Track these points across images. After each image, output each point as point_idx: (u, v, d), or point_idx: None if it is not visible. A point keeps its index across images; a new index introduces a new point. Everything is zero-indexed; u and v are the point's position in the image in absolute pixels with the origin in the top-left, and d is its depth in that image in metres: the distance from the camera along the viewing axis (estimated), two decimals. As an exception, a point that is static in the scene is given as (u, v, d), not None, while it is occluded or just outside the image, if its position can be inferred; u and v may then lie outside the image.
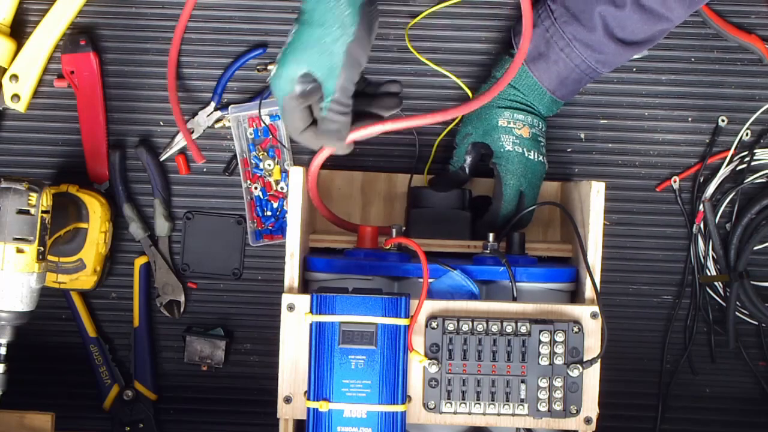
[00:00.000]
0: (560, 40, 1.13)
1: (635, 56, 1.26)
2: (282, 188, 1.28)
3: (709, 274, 1.27)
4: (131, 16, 1.27)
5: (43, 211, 1.05)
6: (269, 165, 1.27)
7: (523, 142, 1.17)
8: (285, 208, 1.27)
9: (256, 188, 1.28)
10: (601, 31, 1.12)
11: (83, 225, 1.19)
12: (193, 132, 1.27)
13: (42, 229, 1.05)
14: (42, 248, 1.05)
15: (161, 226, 1.27)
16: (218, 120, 1.27)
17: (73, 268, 1.20)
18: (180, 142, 1.27)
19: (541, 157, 1.19)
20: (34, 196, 1.04)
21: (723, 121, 1.28)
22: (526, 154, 1.18)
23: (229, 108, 1.26)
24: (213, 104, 1.27)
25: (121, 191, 1.26)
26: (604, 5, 1.11)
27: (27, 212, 1.04)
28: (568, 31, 1.13)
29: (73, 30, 1.27)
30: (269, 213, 1.28)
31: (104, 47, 1.27)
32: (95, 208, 1.20)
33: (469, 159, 1.22)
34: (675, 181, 1.27)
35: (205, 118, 1.27)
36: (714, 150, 1.28)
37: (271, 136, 1.27)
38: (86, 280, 1.21)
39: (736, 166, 1.27)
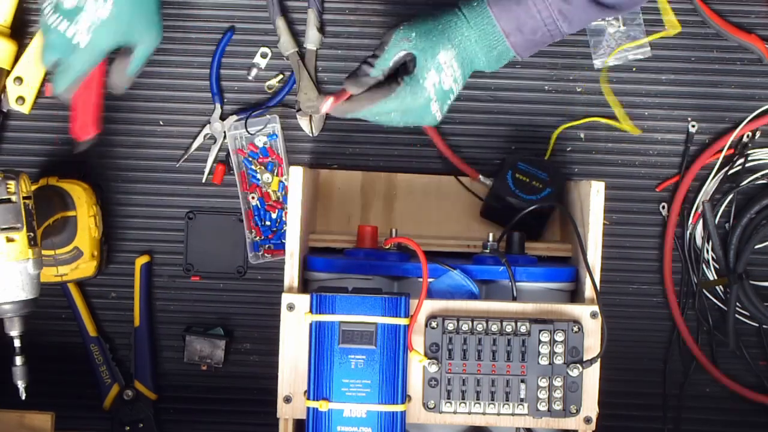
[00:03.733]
0: None
1: (638, 55, 1.26)
2: (279, 198, 1.28)
3: (708, 274, 1.27)
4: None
5: (24, 197, 1.05)
6: (267, 178, 1.27)
7: (437, 92, 1.09)
8: (284, 219, 1.27)
9: (253, 198, 1.27)
10: None
11: (71, 213, 1.19)
12: (215, 141, 1.27)
13: (27, 215, 1.05)
14: (32, 234, 1.05)
15: (313, 37, 1.26)
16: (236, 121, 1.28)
17: (71, 257, 1.20)
18: (213, 149, 1.28)
19: (436, 112, 1.10)
20: (11, 183, 1.03)
21: (722, 120, 1.28)
22: (430, 104, 1.09)
23: (227, 125, 1.26)
24: (218, 106, 1.27)
25: (276, 3, 1.26)
26: None
27: (8, 200, 1.03)
28: None
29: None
30: (268, 223, 1.28)
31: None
32: (79, 194, 1.20)
33: (391, 65, 1.09)
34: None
35: (221, 123, 1.27)
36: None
37: (269, 156, 1.27)
38: (86, 267, 1.21)
39: (736, 166, 1.27)
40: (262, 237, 1.28)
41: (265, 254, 1.28)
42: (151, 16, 1.10)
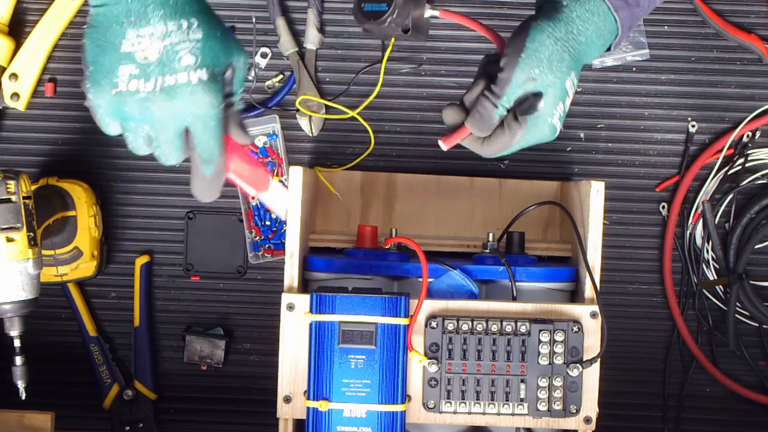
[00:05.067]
0: None
1: (637, 57, 1.26)
2: None
3: (708, 274, 1.27)
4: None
5: (24, 197, 1.05)
6: None
7: (562, 117, 0.98)
8: (284, 219, 1.27)
9: (253, 198, 1.27)
10: None
11: (71, 213, 1.19)
12: None
13: (27, 215, 1.05)
14: (32, 234, 1.05)
15: (313, 37, 1.26)
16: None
17: (71, 257, 1.20)
18: None
19: (560, 126, 0.99)
20: (11, 183, 1.04)
21: (722, 120, 1.28)
22: (556, 128, 0.98)
23: None
24: None
25: (276, 3, 1.26)
26: None
27: (8, 200, 1.03)
28: None
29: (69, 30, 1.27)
30: (268, 223, 1.28)
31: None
32: (79, 194, 1.20)
33: (514, 103, 0.96)
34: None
35: None
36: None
37: (269, 156, 1.27)
38: (86, 267, 1.21)
39: (736, 166, 1.27)
40: (262, 237, 1.28)
41: (265, 254, 1.28)
42: (223, 29, 0.89)
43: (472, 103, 0.97)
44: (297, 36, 1.28)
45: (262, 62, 1.28)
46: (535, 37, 0.95)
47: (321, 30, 1.27)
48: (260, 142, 1.27)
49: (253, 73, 1.28)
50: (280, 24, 1.26)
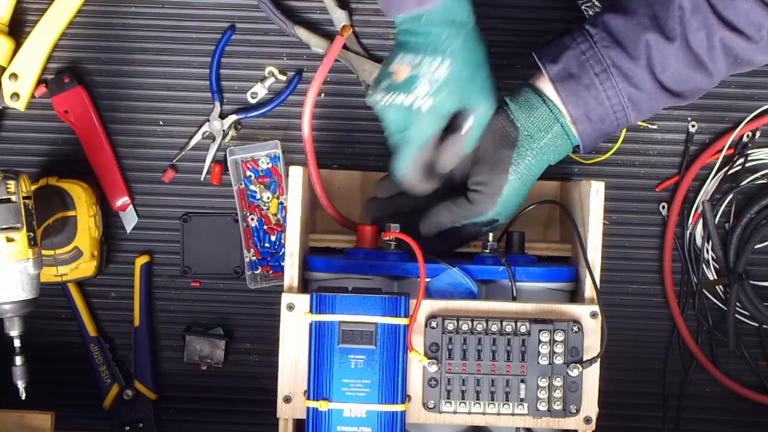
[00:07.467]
0: (597, 65, 1.04)
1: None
2: (279, 221, 1.27)
3: (708, 274, 1.27)
4: (127, 15, 1.28)
5: (24, 197, 1.05)
6: (267, 198, 1.27)
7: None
8: (283, 241, 1.27)
9: (252, 219, 1.27)
10: (644, 62, 1.03)
11: (71, 213, 1.19)
12: (214, 139, 1.27)
13: (27, 215, 1.05)
14: (32, 234, 1.05)
15: (340, 17, 1.24)
16: (237, 123, 1.27)
17: (71, 257, 1.20)
18: (212, 149, 1.27)
19: None
20: (11, 183, 1.04)
21: (722, 120, 1.28)
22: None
23: (227, 151, 1.26)
24: (218, 104, 1.27)
25: (285, 19, 1.24)
26: (654, 34, 1.02)
27: (8, 200, 1.03)
28: (608, 56, 1.03)
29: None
30: (267, 245, 1.27)
31: (98, 47, 1.27)
32: (79, 194, 1.20)
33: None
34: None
35: (220, 121, 1.27)
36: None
37: (272, 176, 1.27)
38: (86, 267, 1.21)
39: (736, 166, 1.27)
40: (260, 258, 1.27)
41: (263, 271, 1.27)
42: (485, 78, 1.06)
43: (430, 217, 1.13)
44: (322, 29, 1.26)
45: (262, 91, 1.27)
46: (513, 184, 1.09)
47: (344, 6, 1.26)
48: (264, 164, 1.27)
49: (255, 99, 1.28)
50: (301, 33, 1.25)
